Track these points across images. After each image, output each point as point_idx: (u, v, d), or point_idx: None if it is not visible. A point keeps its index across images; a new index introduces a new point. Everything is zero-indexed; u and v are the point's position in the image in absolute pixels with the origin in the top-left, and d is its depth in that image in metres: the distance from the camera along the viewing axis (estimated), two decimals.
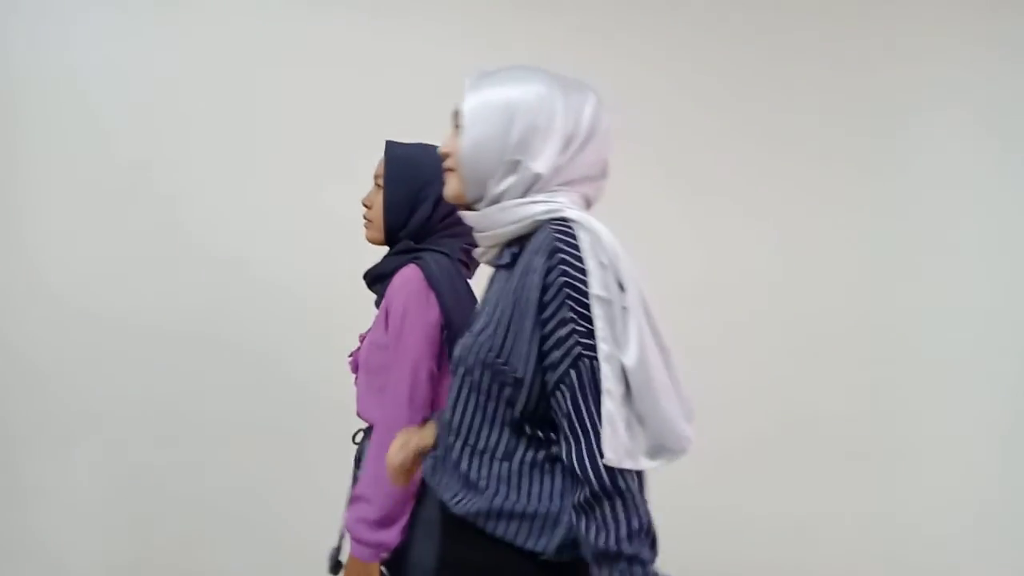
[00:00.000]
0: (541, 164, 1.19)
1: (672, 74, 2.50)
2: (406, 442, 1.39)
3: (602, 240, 1.13)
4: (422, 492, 1.51)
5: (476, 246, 1.38)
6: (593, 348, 1.11)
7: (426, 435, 1.40)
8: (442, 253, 1.59)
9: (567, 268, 1.13)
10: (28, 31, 2.38)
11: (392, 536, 1.49)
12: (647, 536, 1.10)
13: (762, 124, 2.51)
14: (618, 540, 1.08)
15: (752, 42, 2.51)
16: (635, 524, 1.09)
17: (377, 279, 1.66)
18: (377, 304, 1.67)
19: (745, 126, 2.51)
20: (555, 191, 1.20)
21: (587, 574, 1.14)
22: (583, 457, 1.11)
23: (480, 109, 1.21)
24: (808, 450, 2.45)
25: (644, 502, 1.11)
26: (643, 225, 2.17)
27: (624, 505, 1.09)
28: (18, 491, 2.34)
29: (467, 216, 1.26)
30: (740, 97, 2.51)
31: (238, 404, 2.42)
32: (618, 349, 1.11)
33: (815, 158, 2.53)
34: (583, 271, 1.12)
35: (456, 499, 1.23)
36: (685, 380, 1.17)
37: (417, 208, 1.62)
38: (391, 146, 1.66)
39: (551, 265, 1.13)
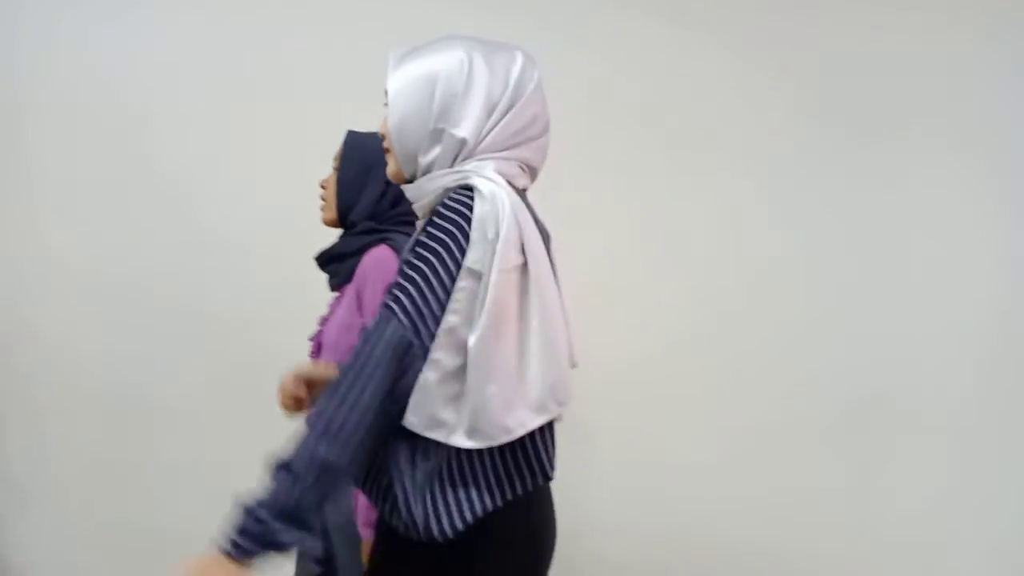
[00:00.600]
0: (464, 129, 1.18)
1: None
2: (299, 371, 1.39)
3: (499, 213, 1.12)
4: None
5: None
6: (396, 304, 1.11)
7: (321, 367, 1.40)
8: (405, 234, 1.62)
9: (431, 229, 1.14)
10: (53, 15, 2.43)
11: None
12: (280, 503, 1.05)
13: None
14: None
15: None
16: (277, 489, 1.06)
17: (333, 259, 1.68)
18: (332, 285, 1.71)
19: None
20: (486, 159, 1.19)
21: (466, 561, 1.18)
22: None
23: (403, 85, 1.21)
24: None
25: (310, 487, 1.06)
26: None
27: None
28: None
29: (405, 190, 1.27)
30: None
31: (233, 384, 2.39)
32: (466, 325, 1.11)
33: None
34: (450, 235, 1.13)
35: None
36: (556, 372, 1.16)
37: (366, 187, 1.65)
38: (350, 133, 1.72)
39: (421, 227, 1.18)
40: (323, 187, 1.73)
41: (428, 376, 1.12)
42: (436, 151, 1.20)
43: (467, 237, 1.13)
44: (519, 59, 1.23)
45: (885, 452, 2.32)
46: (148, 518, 2.37)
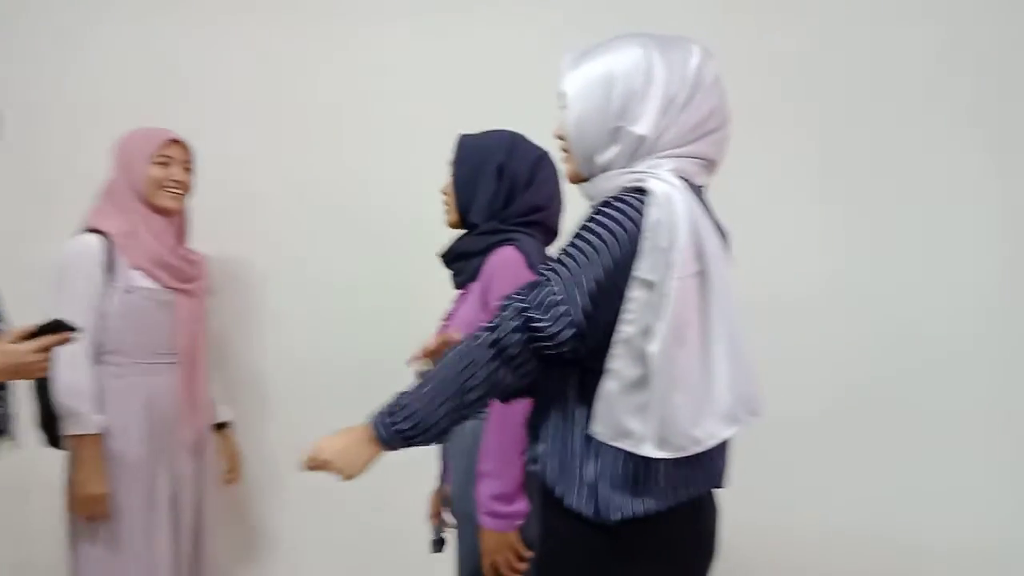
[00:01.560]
0: (643, 126, 1.18)
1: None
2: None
3: (674, 219, 1.09)
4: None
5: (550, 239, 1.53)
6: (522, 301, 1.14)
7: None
8: (528, 235, 1.67)
9: (588, 224, 1.15)
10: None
11: (524, 505, 1.54)
12: None
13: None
14: None
15: None
16: None
17: (460, 257, 1.72)
18: (457, 282, 1.75)
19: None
20: (663, 157, 1.18)
21: (661, 549, 1.19)
22: None
23: (581, 86, 1.21)
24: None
25: None
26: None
27: None
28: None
29: (580, 188, 1.28)
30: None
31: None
32: (643, 336, 1.10)
33: None
34: (609, 231, 1.13)
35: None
36: (745, 381, 1.14)
37: (479, 186, 1.69)
38: (461, 136, 1.77)
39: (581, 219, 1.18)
40: (444, 193, 1.77)
41: (609, 386, 1.12)
42: (614, 150, 1.20)
43: (630, 239, 1.12)
44: (696, 53, 1.21)
45: None
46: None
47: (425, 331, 1.65)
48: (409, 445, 1.19)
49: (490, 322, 1.17)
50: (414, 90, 2.44)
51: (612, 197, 1.16)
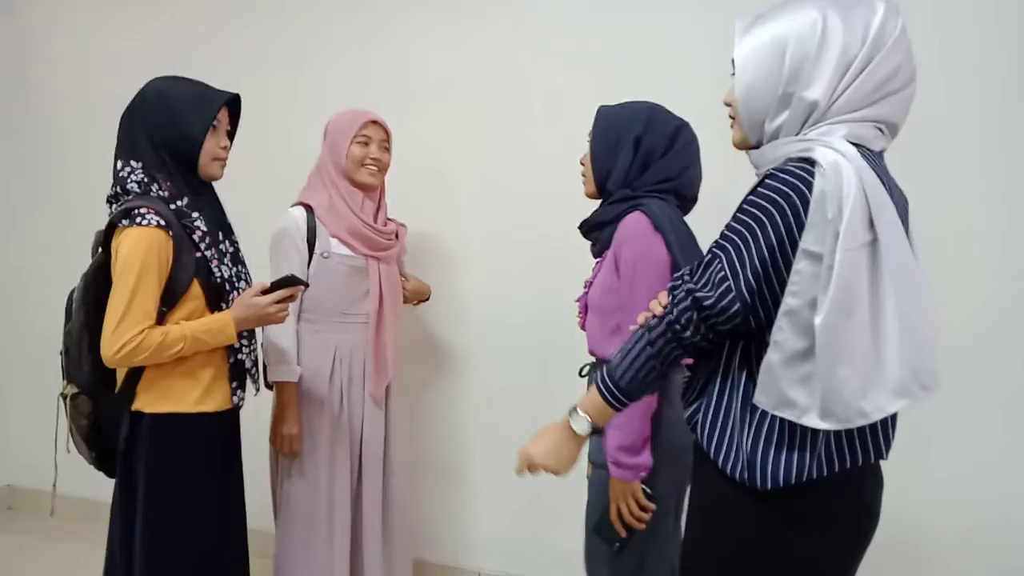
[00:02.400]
0: (815, 91, 1.13)
1: None
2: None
3: (842, 190, 1.05)
4: (657, 423, 1.65)
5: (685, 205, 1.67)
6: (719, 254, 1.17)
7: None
8: (660, 199, 1.69)
9: (753, 197, 1.15)
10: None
11: (647, 459, 1.63)
12: None
13: None
14: None
15: None
16: None
17: (595, 227, 1.79)
18: (594, 251, 1.82)
19: None
20: (837, 122, 1.14)
21: (819, 519, 1.19)
22: None
23: (750, 52, 1.18)
24: None
25: None
26: None
27: None
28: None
29: (749, 155, 1.26)
30: None
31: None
32: (809, 308, 1.08)
33: None
34: (774, 204, 1.11)
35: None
36: (920, 354, 1.09)
37: (617, 156, 1.73)
38: (600, 108, 1.81)
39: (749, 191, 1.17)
40: (582, 163, 1.83)
41: (772, 357, 1.12)
42: (784, 116, 1.17)
43: (796, 212, 1.09)
44: (880, 8, 1.14)
45: None
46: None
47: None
48: (627, 395, 1.31)
49: (665, 307, 1.25)
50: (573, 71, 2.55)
51: (777, 168, 1.14)
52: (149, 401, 1.79)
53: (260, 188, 2.63)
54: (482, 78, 2.70)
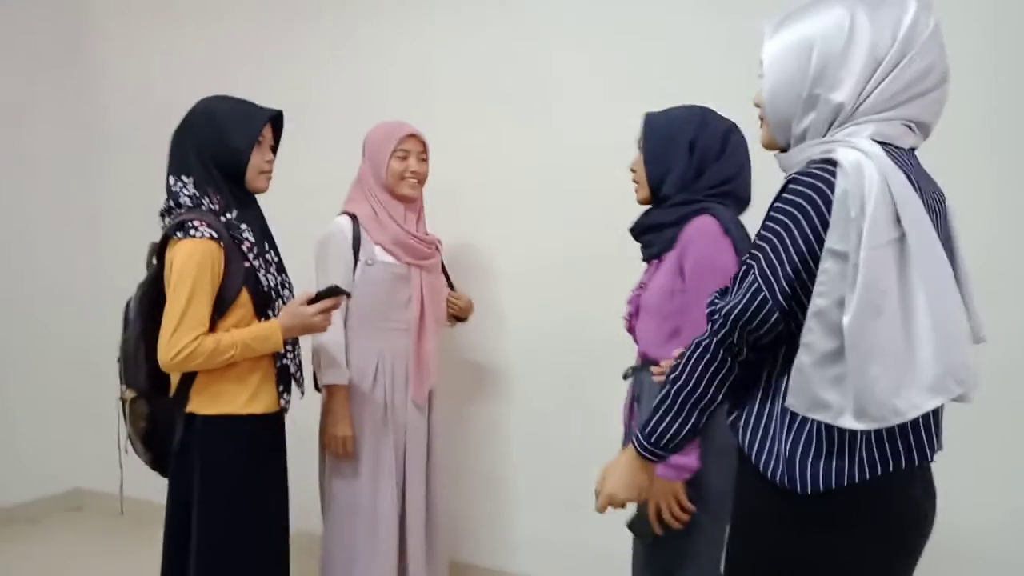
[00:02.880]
0: (842, 93, 1.13)
1: None
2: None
3: (864, 188, 1.05)
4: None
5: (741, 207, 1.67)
6: (751, 268, 1.17)
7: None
8: (721, 204, 1.71)
9: (779, 204, 1.15)
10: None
11: (693, 460, 1.63)
12: None
13: None
14: None
15: None
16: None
17: (650, 230, 1.79)
18: (647, 253, 1.82)
19: None
20: (864, 122, 1.14)
21: (852, 530, 1.17)
22: None
23: (777, 52, 1.19)
24: None
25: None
26: None
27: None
28: None
29: (777, 158, 1.27)
30: None
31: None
32: (837, 307, 1.07)
33: None
34: (799, 208, 1.12)
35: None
36: (954, 350, 1.08)
37: (671, 159, 1.74)
38: (647, 115, 1.82)
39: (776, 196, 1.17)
40: (633, 170, 1.84)
41: (803, 359, 1.12)
42: (811, 117, 1.17)
43: (820, 213, 1.10)
44: (911, 7, 1.13)
45: None
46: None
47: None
48: (674, 452, 1.34)
49: (707, 328, 1.26)
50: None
51: (799, 172, 1.14)
52: (201, 403, 1.88)
53: (288, 199, 2.74)
54: (507, 85, 2.77)
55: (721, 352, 1.24)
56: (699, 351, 1.26)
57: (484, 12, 2.79)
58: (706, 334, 1.25)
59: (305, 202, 2.72)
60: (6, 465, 3.46)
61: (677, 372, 1.28)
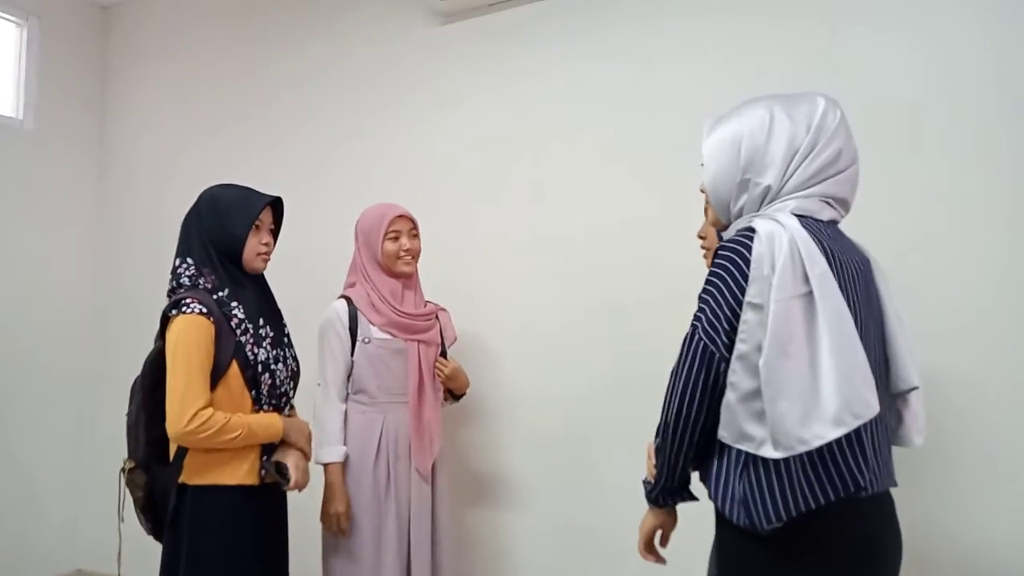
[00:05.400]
0: (768, 177, 1.36)
1: None
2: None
3: (774, 251, 1.25)
4: None
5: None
6: (697, 323, 1.34)
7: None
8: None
9: (712, 266, 1.34)
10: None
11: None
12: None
13: None
14: None
15: None
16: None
17: None
18: None
19: None
20: (788, 199, 1.36)
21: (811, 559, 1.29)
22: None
23: (714, 147, 1.41)
24: None
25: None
26: None
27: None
28: None
29: (721, 236, 1.47)
30: None
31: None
32: (756, 351, 1.25)
33: None
34: (725, 269, 1.31)
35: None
36: (852, 389, 1.21)
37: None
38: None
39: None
40: (701, 237, 1.78)
41: (729, 396, 1.30)
42: (744, 198, 1.39)
43: (742, 272, 1.29)
44: (820, 103, 1.37)
45: None
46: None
47: None
48: (679, 500, 1.51)
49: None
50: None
51: (727, 240, 1.35)
52: (192, 473, 1.95)
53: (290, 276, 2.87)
54: (505, 151, 2.93)
55: (683, 396, 1.37)
56: (669, 399, 1.41)
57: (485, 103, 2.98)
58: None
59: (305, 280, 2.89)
60: (16, 549, 3.58)
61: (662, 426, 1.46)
